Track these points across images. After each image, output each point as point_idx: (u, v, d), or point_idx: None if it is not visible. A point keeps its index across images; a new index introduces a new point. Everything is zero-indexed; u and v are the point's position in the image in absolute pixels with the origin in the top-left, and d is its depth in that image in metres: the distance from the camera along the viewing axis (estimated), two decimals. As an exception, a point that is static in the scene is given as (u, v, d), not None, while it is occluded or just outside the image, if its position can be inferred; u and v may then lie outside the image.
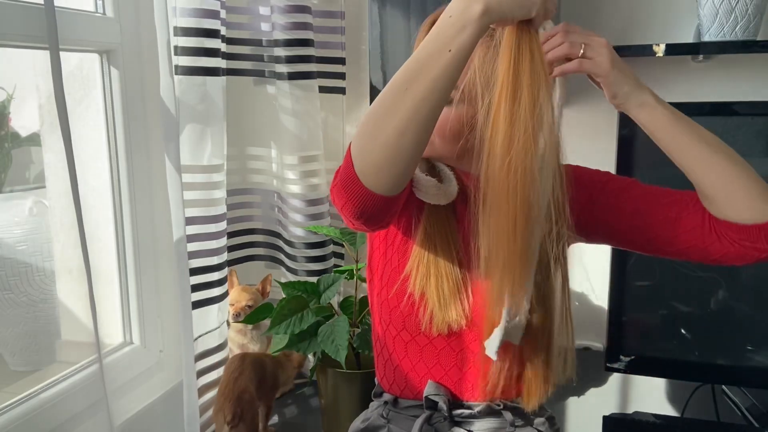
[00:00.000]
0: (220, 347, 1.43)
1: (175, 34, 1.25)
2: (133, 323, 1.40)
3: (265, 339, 1.56)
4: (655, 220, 0.88)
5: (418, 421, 0.95)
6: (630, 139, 1.27)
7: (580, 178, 0.92)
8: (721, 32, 1.26)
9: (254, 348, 1.55)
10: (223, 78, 1.35)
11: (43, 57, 1.23)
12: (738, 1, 1.23)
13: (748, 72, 1.36)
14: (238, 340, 1.56)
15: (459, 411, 0.97)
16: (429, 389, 0.96)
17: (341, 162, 0.75)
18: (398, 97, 0.68)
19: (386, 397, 1.03)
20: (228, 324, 1.53)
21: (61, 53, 1.00)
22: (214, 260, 1.35)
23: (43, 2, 0.98)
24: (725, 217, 0.82)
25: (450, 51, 0.66)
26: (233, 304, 1.50)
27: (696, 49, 1.33)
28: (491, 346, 0.87)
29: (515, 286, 0.82)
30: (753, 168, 0.81)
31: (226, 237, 1.41)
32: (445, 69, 0.67)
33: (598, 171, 0.97)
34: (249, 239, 1.65)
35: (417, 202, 0.93)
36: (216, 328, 1.40)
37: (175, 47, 1.25)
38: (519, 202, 0.75)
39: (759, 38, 1.27)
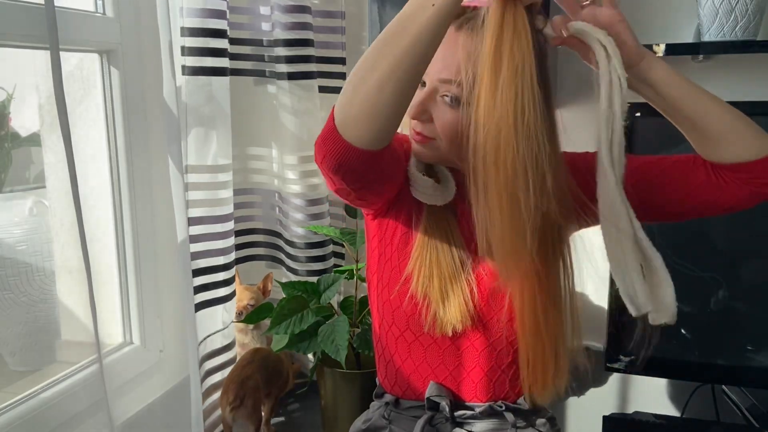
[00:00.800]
0: (227, 347, 1.43)
1: (182, 35, 1.25)
2: (133, 323, 1.40)
3: (264, 339, 1.56)
4: (663, 186, 0.89)
5: (420, 422, 0.95)
6: (629, 139, 1.27)
7: (589, 164, 0.92)
8: (721, 32, 1.26)
9: (255, 347, 1.55)
10: (228, 78, 1.35)
11: (43, 57, 1.23)
12: (738, 1, 1.23)
13: (748, 72, 1.36)
14: (240, 339, 1.56)
15: (461, 412, 0.97)
16: (431, 390, 0.96)
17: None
18: (381, 51, 0.69)
19: (387, 397, 1.03)
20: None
21: (61, 53, 1.00)
22: (220, 260, 1.36)
23: (43, 2, 0.98)
24: (734, 158, 0.83)
25: (434, 5, 0.67)
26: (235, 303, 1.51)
27: (696, 49, 1.33)
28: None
29: (513, 260, 0.81)
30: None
31: (233, 237, 1.41)
32: (428, 22, 0.67)
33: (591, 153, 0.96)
34: (250, 239, 1.66)
35: (416, 202, 0.93)
36: (223, 329, 1.40)
37: (182, 47, 1.26)
38: (503, 172, 0.75)
39: (759, 38, 1.27)
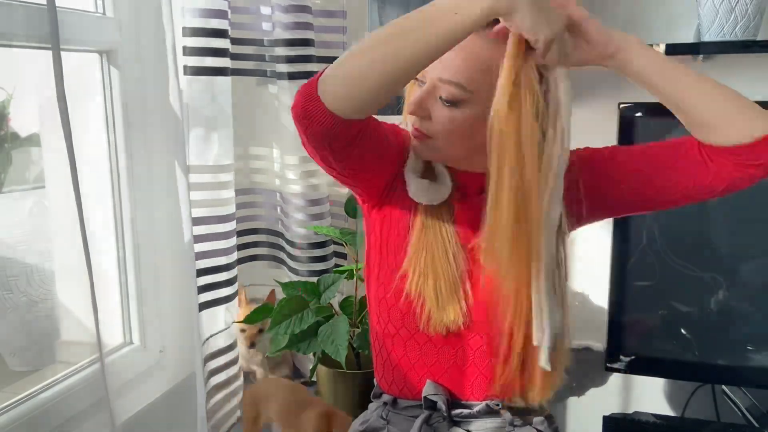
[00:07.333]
0: (230, 348, 1.43)
1: (184, 35, 1.25)
2: (133, 323, 1.40)
3: (265, 361, 1.55)
4: (651, 177, 0.88)
5: (417, 422, 0.95)
6: (630, 139, 1.27)
7: (587, 159, 0.92)
8: (721, 32, 1.26)
9: (259, 370, 1.55)
10: (230, 78, 1.35)
11: (43, 57, 1.23)
12: (738, 1, 1.23)
13: (748, 72, 1.36)
14: (245, 366, 1.55)
15: (458, 410, 0.97)
16: (428, 389, 0.96)
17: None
18: (392, 37, 0.72)
19: (385, 398, 1.03)
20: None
21: (62, 53, 1.00)
22: (222, 260, 1.36)
23: (43, 2, 0.98)
24: (726, 142, 0.82)
25: (456, 14, 0.69)
26: (244, 330, 1.48)
27: (696, 49, 1.33)
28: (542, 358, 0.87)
29: (520, 281, 0.84)
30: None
31: (235, 237, 1.41)
32: (446, 30, 0.70)
33: (598, 149, 0.96)
34: (252, 239, 1.66)
35: (413, 201, 0.93)
36: (225, 329, 1.40)
37: (184, 47, 1.26)
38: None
39: (759, 38, 1.27)
